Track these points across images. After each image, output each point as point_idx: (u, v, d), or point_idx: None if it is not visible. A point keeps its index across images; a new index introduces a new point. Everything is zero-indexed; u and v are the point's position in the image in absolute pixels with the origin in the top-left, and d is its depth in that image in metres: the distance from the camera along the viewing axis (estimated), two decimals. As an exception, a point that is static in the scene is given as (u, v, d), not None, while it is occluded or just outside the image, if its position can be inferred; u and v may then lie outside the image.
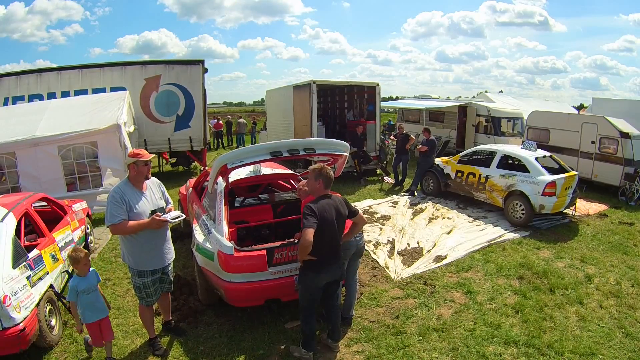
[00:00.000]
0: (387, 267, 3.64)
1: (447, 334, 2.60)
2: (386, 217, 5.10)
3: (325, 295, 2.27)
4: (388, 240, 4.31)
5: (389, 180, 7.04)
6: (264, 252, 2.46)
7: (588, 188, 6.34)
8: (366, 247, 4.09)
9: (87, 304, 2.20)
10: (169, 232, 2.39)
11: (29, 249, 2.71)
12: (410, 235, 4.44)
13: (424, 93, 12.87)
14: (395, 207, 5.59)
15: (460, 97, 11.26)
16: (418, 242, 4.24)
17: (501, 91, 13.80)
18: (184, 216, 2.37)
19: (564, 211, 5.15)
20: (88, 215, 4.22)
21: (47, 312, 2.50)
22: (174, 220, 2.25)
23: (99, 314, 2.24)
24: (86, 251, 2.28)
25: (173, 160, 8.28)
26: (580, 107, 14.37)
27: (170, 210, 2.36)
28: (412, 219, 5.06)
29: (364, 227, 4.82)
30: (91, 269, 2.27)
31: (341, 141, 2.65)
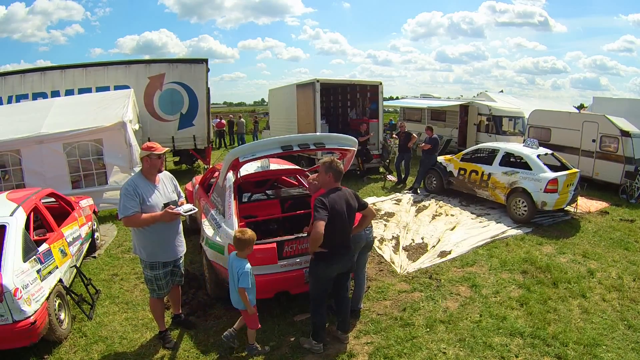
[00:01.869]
0: (393, 262, 3.67)
1: (454, 325, 2.64)
2: (390, 214, 5.13)
3: (335, 287, 2.30)
4: (393, 236, 4.34)
5: (392, 178, 7.09)
6: (275, 244, 2.48)
7: (589, 186, 6.39)
8: (372, 243, 4.14)
9: (253, 286, 2.14)
10: (180, 226, 2.42)
11: (38, 243, 2.72)
12: (415, 232, 4.48)
13: (425, 93, 12.91)
14: (398, 204, 5.63)
15: (462, 96, 11.31)
16: (422, 238, 4.28)
17: (501, 91, 13.89)
18: (196, 209, 2.39)
19: (566, 208, 5.20)
20: (94, 212, 4.24)
21: (57, 306, 2.52)
22: (187, 213, 2.27)
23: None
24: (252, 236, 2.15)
25: (176, 158, 8.30)
26: (580, 107, 14.49)
27: (182, 204, 2.38)
28: (415, 215, 5.10)
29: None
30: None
31: (350, 136, 2.69)
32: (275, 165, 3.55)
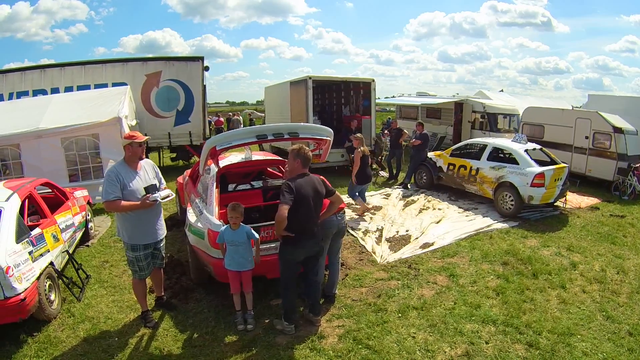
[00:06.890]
0: (374, 252, 3.73)
1: (427, 312, 2.69)
2: (377, 208, 5.20)
3: (304, 270, 2.38)
4: (377, 228, 4.40)
5: (384, 174, 7.15)
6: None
7: (582, 183, 6.37)
8: (355, 234, 4.21)
9: (231, 253, 2.42)
10: (161, 210, 2.54)
11: (32, 228, 2.87)
12: (400, 224, 4.53)
13: (422, 91, 12.93)
14: (387, 198, 5.70)
15: (458, 94, 11.30)
16: (407, 231, 4.34)
17: (501, 90, 13.85)
18: (173, 195, 2.51)
19: (555, 203, 5.21)
20: (89, 203, 4.39)
21: (47, 287, 2.66)
22: (165, 200, 2.39)
23: (238, 266, 2.43)
24: (238, 207, 2.41)
25: (173, 154, 8.48)
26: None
27: (165, 189, 2.50)
28: (402, 209, 5.16)
29: (353, 214, 4.87)
30: (245, 226, 2.43)
31: (325, 127, 2.77)
32: (259, 156, 3.66)
